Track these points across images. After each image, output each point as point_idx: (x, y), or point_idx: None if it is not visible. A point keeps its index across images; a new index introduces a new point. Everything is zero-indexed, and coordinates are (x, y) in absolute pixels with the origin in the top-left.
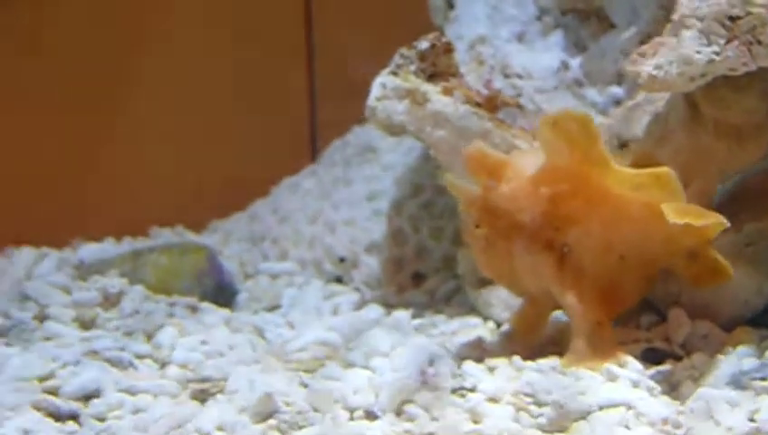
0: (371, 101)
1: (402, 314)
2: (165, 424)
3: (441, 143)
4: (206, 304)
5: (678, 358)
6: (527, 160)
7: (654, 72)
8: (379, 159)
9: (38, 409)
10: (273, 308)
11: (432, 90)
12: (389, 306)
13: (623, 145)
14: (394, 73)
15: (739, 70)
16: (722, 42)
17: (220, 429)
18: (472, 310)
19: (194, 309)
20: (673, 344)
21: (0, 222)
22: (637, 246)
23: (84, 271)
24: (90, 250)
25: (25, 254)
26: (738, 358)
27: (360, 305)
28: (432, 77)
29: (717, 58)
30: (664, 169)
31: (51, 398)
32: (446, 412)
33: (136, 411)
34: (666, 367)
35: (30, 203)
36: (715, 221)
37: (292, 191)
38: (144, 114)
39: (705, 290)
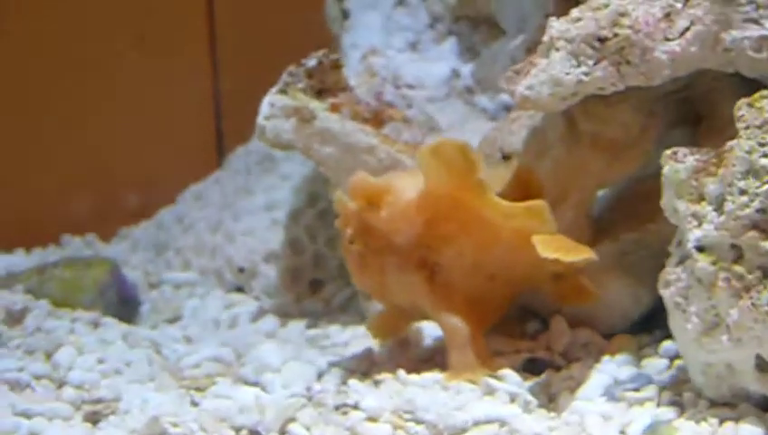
0: (260, 120)
1: (297, 325)
2: None
3: (329, 160)
4: (107, 319)
5: (558, 368)
6: (407, 183)
7: (526, 93)
8: (278, 169)
9: None
10: (174, 320)
11: (319, 107)
12: (287, 316)
13: (506, 157)
14: (282, 91)
15: (608, 89)
16: (591, 62)
17: None
18: (365, 319)
19: (95, 324)
20: (554, 354)
21: None
22: (506, 267)
23: None
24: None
25: None
26: (616, 366)
27: (258, 316)
28: (320, 93)
29: (586, 78)
30: (537, 202)
31: None
32: (326, 431)
33: None
34: (544, 378)
35: None
36: (584, 257)
37: (196, 199)
38: (54, 120)
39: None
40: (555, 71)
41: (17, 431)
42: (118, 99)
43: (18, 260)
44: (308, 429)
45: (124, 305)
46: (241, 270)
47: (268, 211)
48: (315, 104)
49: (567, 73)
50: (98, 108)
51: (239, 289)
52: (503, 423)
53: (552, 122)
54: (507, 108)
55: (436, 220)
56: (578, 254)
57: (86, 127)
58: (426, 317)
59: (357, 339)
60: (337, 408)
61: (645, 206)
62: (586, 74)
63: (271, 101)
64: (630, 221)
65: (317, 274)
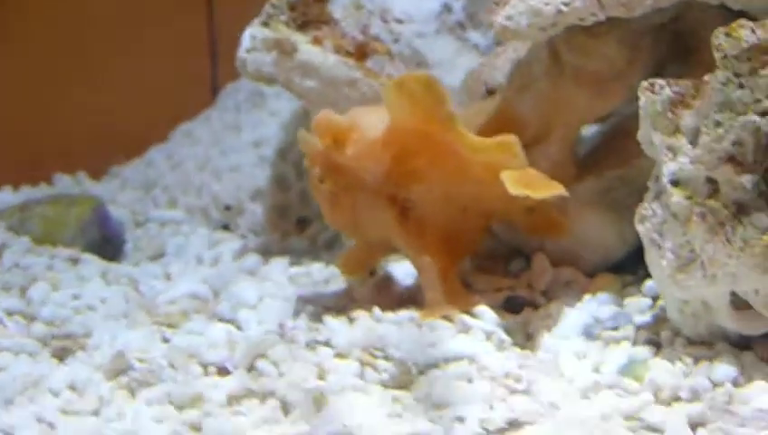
0: (242, 52)
1: (279, 263)
2: (21, 384)
3: (310, 93)
4: (87, 256)
5: (538, 306)
6: (372, 120)
7: (505, 23)
8: (266, 105)
9: None
10: (157, 257)
11: (301, 39)
12: (272, 254)
13: (490, 92)
14: (264, 24)
15: (588, 20)
16: None
17: (71, 387)
18: None
19: (75, 261)
20: (535, 292)
21: None
22: (477, 200)
23: None
24: None
25: None
26: (597, 305)
27: (241, 254)
28: (303, 26)
29: (566, 9)
30: (507, 136)
31: None
32: (294, 368)
33: None
34: (522, 316)
35: None
36: (554, 193)
37: (185, 137)
38: (45, 58)
39: (568, 236)
40: (534, 1)
41: None
42: (112, 37)
43: (5, 197)
44: (276, 365)
45: (107, 243)
46: (227, 208)
47: (256, 148)
48: (297, 37)
49: (546, 3)
50: (93, 47)
51: (225, 227)
52: (472, 360)
53: (536, 56)
54: (499, 43)
55: (403, 156)
56: (548, 189)
57: (80, 66)
58: (398, 252)
59: (337, 277)
60: (308, 344)
61: (630, 143)
62: (566, 4)
63: (252, 34)
64: (615, 158)
65: (304, 211)
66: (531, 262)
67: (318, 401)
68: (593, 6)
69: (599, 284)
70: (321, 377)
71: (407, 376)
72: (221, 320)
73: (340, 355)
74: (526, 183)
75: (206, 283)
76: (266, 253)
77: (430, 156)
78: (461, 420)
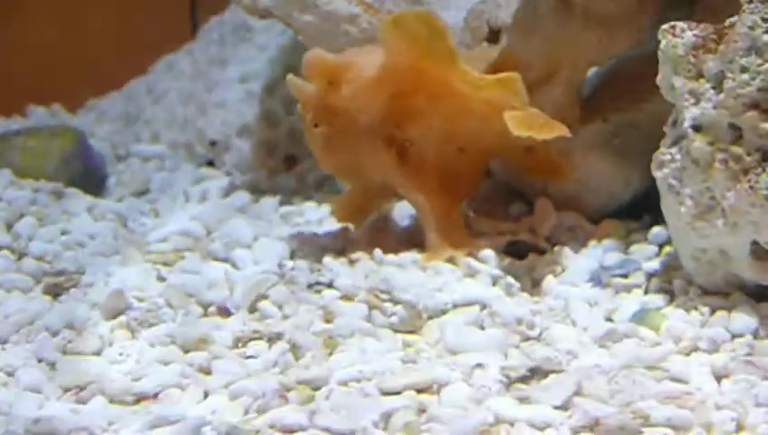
0: None
1: (269, 202)
2: (15, 322)
3: (308, 28)
4: (71, 190)
5: (542, 251)
6: (367, 60)
7: None
8: (254, 39)
9: None
10: (141, 193)
11: None
12: (259, 192)
13: (494, 31)
14: None
15: None
16: None
17: (69, 326)
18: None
19: (59, 195)
20: (538, 237)
21: None
22: (475, 138)
23: None
24: None
25: None
26: (603, 252)
27: (230, 191)
28: None
29: None
30: (509, 74)
31: None
32: (299, 310)
33: None
34: (528, 261)
35: None
36: (556, 134)
37: (168, 70)
38: None
39: (573, 180)
40: None
41: None
42: None
43: None
44: (279, 306)
45: (90, 177)
46: (212, 143)
47: (243, 83)
48: None
49: None
50: None
51: (210, 163)
52: (483, 306)
53: None
54: None
55: (401, 95)
56: (551, 131)
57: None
58: (396, 196)
59: (331, 217)
60: (310, 286)
61: (637, 86)
62: None
63: None
64: (621, 101)
65: (292, 149)
66: (532, 206)
67: (328, 345)
68: None
69: (603, 229)
70: (327, 320)
71: (416, 320)
72: (215, 259)
73: (345, 298)
74: (529, 124)
75: (196, 220)
76: (255, 191)
77: (428, 94)
78: (481, 366)
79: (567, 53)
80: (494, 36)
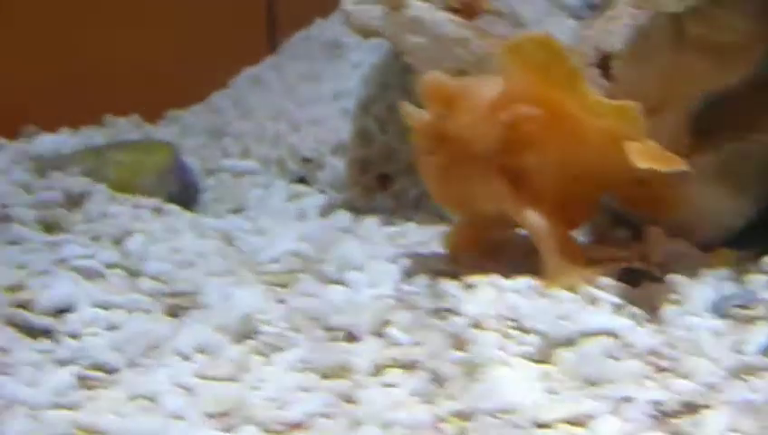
0: (347, 4)
1: (371, 222)
2: (142, 343)
3: (417, 50)
4: (170, 206)
5: (656, 279)
6: (485, 87)
7: None
8: (346, 57)
9: (10, 324)
10: (238, 210)
11: None
12: (356, 211)
13: (603, 58)
14: None
15: None
16: None
17: (200, 350)
18: (441, 218)
19: (158, 211)
20: (650, 264)
21: None
22: (591, 169)
23: (43, 166)
24: (46, 142)
25: None
26: (717, 281)
27: (327, 210)
28: None
29: None
30: (629, 102)
31: (23, 312)
32: (430, 337)
33: (110, 328)
34: (644, 289)
35: None
36: (677, 168)
37: (253, 84)
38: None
39: (683, 208)
40: None
41: (95, 323)
42: None
43: (65, 140)
44: (407, 332)
45: (185, 192)
46: (306, 160)
47: (336, 100)
48: None
49: None
50: None
51: (302, 180)
52: (614, 335)
53: (657, 24)
54: (590, 5)
55: (517, 123)
56: (671, 164)
57: (133, 5)
58: (509, 226)
59: (436, 239)
60: (433, 311)
61: (750, 114)
62: None
63: None
64: (735, 128)
65: (386, 167)
66: (637, 231)
67: (469, 374)
68: None
69: (716, 258)
70: (459, 348)
71: (550, 350)
72: (329, 281)
73: (475, 325)
74: (651, 156)
75: (305, 241)
76: (352, 209)
77: (545, 121)
78: (628, 400)
79: (681, 81)
80: (603, 62)
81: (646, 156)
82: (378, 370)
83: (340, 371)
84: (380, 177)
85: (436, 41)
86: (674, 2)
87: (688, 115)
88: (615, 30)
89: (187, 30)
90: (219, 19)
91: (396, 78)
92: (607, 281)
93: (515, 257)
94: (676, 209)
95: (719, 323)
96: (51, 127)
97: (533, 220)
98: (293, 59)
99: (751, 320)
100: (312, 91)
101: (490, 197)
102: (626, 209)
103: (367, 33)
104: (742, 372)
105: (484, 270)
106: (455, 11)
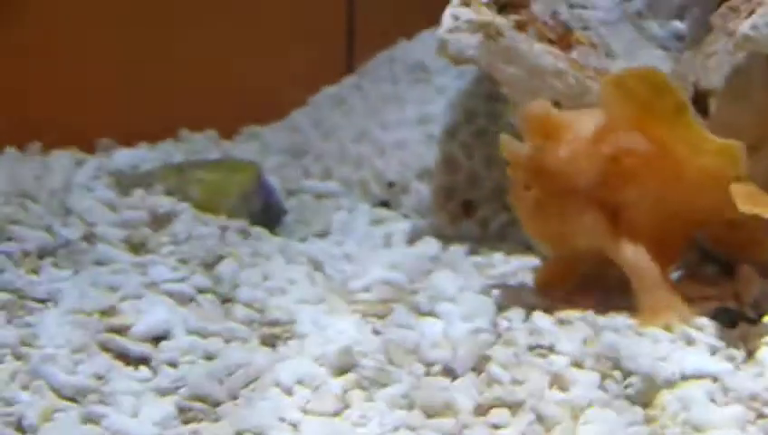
0: (442, 32)
1: (458, 250)
2: (243, 375)
3: (513, 80)
4: (256, 229)
5: (751, 320)
6: (587, 121)
7: (750, 33)
8: (431, 80)
9: (106, 350)
10: (323, 234)
11: (505, 24)
12: (443, 237)
13: (699, 94)
14: (465, 4)
15: None
16: None
17: (300, 383)
18: (528, 248)
19: (245, 234)
20: (744, 304)
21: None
22: (687, 207)
23: (125, 183)
24: (125, 157)
25: (61, 159)
26: None
27: (414, 236)
28: (503, 8)
29: None
30: (732, 142)
31: (119, 338)
32: (530, 376)
33: (208, 357)
34: (740, 330)
35: (47, 97)
36: None
37: (334, 104)
38: (175, 13)
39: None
40: None
41: (193, 352)
42: None
43: (143, 155)
44: (506, 368)
45: (268, 213)
46: (391, 184)
47: (421, 125)
48: (499, 20)
49: None
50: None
51: (384, 204)
52: (714, 379)
53: (756, 62)
54: (678, 37)
55: (618, 157)
56: None
57: (208, 19)
58: (603, 263)
59: (525, 271)
60: (531, 348)
61: None
62: None
63: (455, 14)
64: None
65: (471, 194)
66: (725, 267)
67: (574, 417)
68: None
69: None
70: (560, 387)
71: (651, 392)
72: (420, 313)
73: (575, 364)
74: (756, 200)
75: (396, 269)
76: (439, 237)
77: (646, 156)
78: None
79: None
80: (700, 99)
81: (750, 200)
82: (481, 408)
83: (444, 409)
84: (465, 203)
85: (533, 72)
86: None
87: None
88: (712, 66)
89: (264, 43)
90: (300, 36)
91: (482, 104)
92: (702, 321)
93: (607, 294)
94: (765, 255)
95: None
96: (122, 139)
97: (632, 256)
98: (377, 80)
99: None
100: (396, 114)
101: (584, 232)
102: (717, 250)
103: (461, 61)
104: None
105: (576, 306)
106: (550, 42)
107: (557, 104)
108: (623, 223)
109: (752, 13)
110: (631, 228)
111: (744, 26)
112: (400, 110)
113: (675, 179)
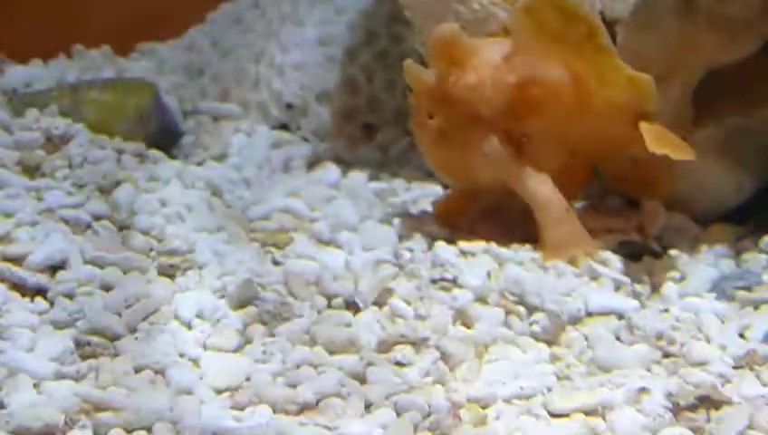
0: None
1: (359, 176)
2: (141, 307)
3: (416, 4)
4: (153, 152)
5: (656, 254)
6: (496, 49)
7: None
8: (332, 1)
9: (2, 280)
10: (221, 157)
11: None
12: (342, 162)
13: (610, 23)
14: None
15: None
16: None
17: (200, 316)
18: (429, 174)
19: (142, 157)
20: (648, 238)
21: None
22: (589, 142)
23: (18, 102)
24: (18, 74)
25: None
26: (716, 258)
27: (313, 161)
28: None
29: None
30: (644, 75)
31: (15, 268)
32: (433, 311)
33: (106, 288)
34: (645, 265)
35: None
36: (687, 157)
37: (232, 23)
38: None
39: (682, 181)
40: None
41: (91, 283)
42: None
43: (36, 72)
44: (409, 303)
45: (165, 136)
46: (289, 106)
47: (322, 46)
48: None
49: None
50: None
51: (283, 126)
52: (620, 316)
53: None
54: None
55: (524, 85)
56: (684, 153)
57: None
58: (504, 195)
59: (426, 198)
60: (434, 281)
61: (753, 88)
62: None
63: None
64: (736, 103)
65: (371, 117)
66: (634, 201)
67: (480, 355)
68: None
69: (713, 234)
70: (463, 322)
71: (557, 329)
72: (320, 241)
73: (479, 300)
74: (665, 142)
75: (296, 196)
76: (337, 161)
77: (554, 86)
78: (645, 391)
79: (686, 53)
80: (608, 28)
81: (660, 141)
82: (385, 346)
83: (347, 345)
84: (365, 127)
85: None
86: None
87: (692, 87)
88: None
89: None
90: None
91: (384, 26)
92: (609, 256)
93: (509, 224)
94: (661, 193)
95: (723, 307)
96: (15, 55)
97: (537, 188)
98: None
99: (755, 304)
100: (296, 35)
101: (490, 162)
102: (614, 186)
103: None
104: (748, 360)
105: (479, 236)
106: None
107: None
108: (528, 154)
109: None
110: (536, 160)
111: None
112: (299, 30)
113: (581, 111)
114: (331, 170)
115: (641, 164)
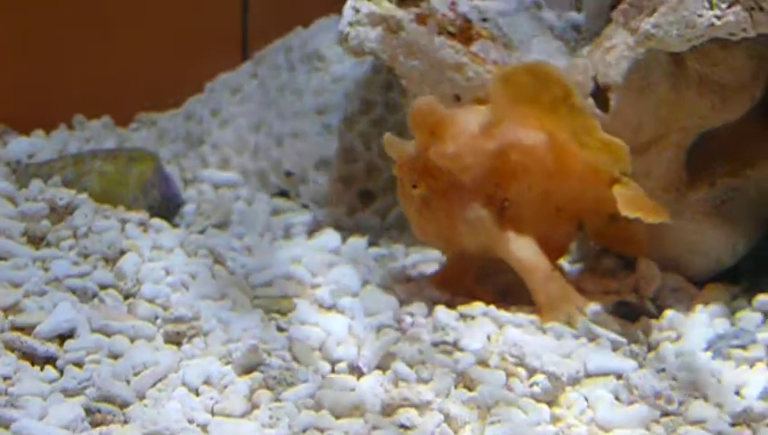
0: (343, 25)
1: (358, 242)
2: (149, 375)
3: (413, 74)
4: (156, 221)
5: (652, 314)
6: (473, 117)
7: (652, 31)
8: (328, 69)
9: (12, 349)
10: (222, 225)
11: (406, 17)
12: (342, 229)
13: (603, 89)
14: None
15: (738, 35)
16: (724, 6)
17: (207, 383)
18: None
19: (145, 226)
20: (644, 298)
21: None
22: (572, 200)
23: (22, 173)
24: (21, 145)
25: None
26: (710, 317)
27: (313, 227)
28: (403, 1)
29: (718, 22)
30: (617, 140)
31: (25, 338)
32: (436, 374)
33: (114, 356)
34: (641, 325)
35: None
36: (662, 219)
37: (230, 92)
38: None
39: (677, 243)
40: (687, 12)
41: (98, 351)
42: None
43: (39, 143)
44: (411, 366)
45: (167, 204)
46: (288, 174)
47: (319, 114)
48: (400, 13)
49: (699, 15)
50: None
51: (283, 193)
52: (618, 376)
53: (656, 58)
54: (575, 27)
55: (503, 152)
56: (657, 216)
57: (102, 9)
58: (492, 261)
59: (425, 262)
60: (435, 345)
61: (744, 148)
62: (718, 18)
63: (355, 6)
64: (729, 165)
65: (369, 185)
66: (624, 261)
67: (483, 417)
68: (746, 23)
69: (708, 294)
70: (466, 386)
71: (557, 390)
72: (322, 306)
73: (480, 362)
74: (638, 205)
75: (297, 263)
76: (337, 228)
77: (532, 150)
78: None
79: (679, 117)
80: (601, 93)
81: (633, 204)
82: (389, 408)
83: (352, 409)
84: (363, 193)
85: (433, 65)
86: (678, 43)
87: (685, 149)
88: (611, 61)
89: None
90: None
91: (380, 94)
92: (606, 317)
93: (506, 285)
94: (639, 252)
95: (719, 365)
96: (16, 126)
97: (520, 252)
98: (273, 69)
99: (750, 362)
100: (294, 104)
101: (472, 231)
102: (596, 241)
103: (362, 54)
104: (750, 419)
105: (477, 299)
106: (451, 35)
107: (458, 98)
108: (511, 218)
109: (654, 11)
110: (520, 222)
111: (647, 24)
112: (297, 99)
113: (561, 171)
114: (331, 237)
115: (619, 221)
